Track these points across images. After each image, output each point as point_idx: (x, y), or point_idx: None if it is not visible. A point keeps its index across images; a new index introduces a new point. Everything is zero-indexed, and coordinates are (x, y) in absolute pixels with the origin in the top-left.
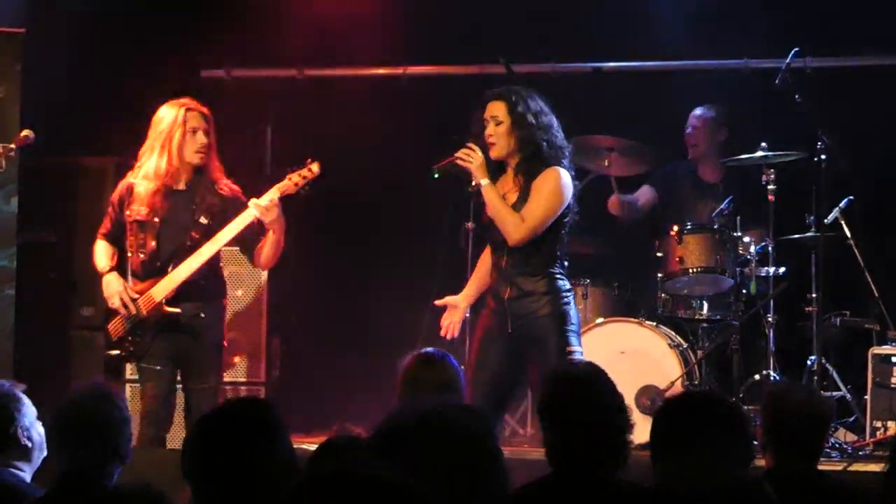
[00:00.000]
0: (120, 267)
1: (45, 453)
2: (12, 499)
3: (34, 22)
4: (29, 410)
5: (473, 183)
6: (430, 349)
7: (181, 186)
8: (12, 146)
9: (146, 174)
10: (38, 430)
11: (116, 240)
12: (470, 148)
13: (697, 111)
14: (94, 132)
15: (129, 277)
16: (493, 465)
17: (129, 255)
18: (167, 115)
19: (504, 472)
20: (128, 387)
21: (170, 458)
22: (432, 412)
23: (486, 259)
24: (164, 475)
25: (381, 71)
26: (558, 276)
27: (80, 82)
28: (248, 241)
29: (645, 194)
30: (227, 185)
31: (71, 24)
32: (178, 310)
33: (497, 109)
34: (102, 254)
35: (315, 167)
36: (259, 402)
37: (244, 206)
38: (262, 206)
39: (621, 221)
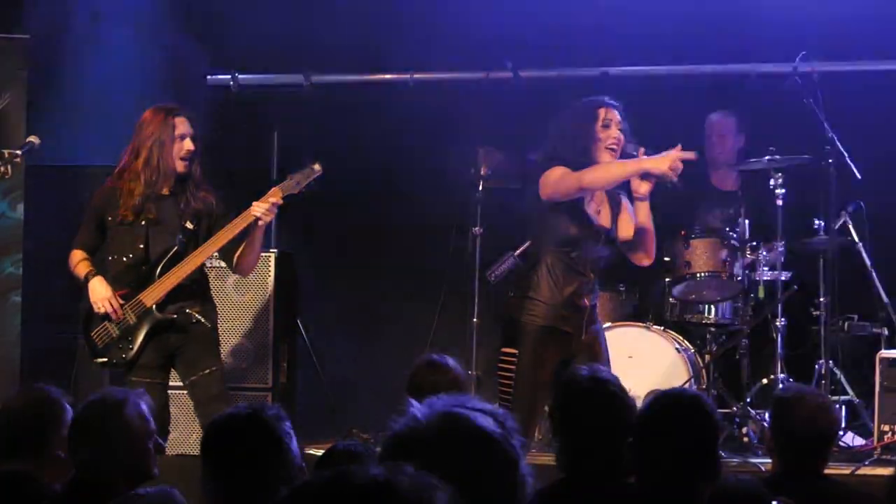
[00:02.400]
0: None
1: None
2: (35, 495)
3: (38, 28)
4: (69, 421)
5: (643, 195)
6: (435, 354)
7: (166, 191)
8: (18, 152)
9: (131, 178)
10: None
11: (93, 249)
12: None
13: (717, 116)
14: (100, 138)
15: (109, 283)
16: (513, 467)
17: (111, 258)
18: (154, 119)
19: (523, 477)
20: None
21: (175, 464)
22: (450, 413)
23: None
24: (169, 481)
25: (388, 77)
26: None
27: (86, 88)
28: (228, 245)
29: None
30: (207, 193)
31: (76, 30)
32: (173, 316)
33: (619, 118)
34: (81, 261)
35: (317, 166)
36: (269, 409)
37: (223, 216)
38: (264, 208)
39: None
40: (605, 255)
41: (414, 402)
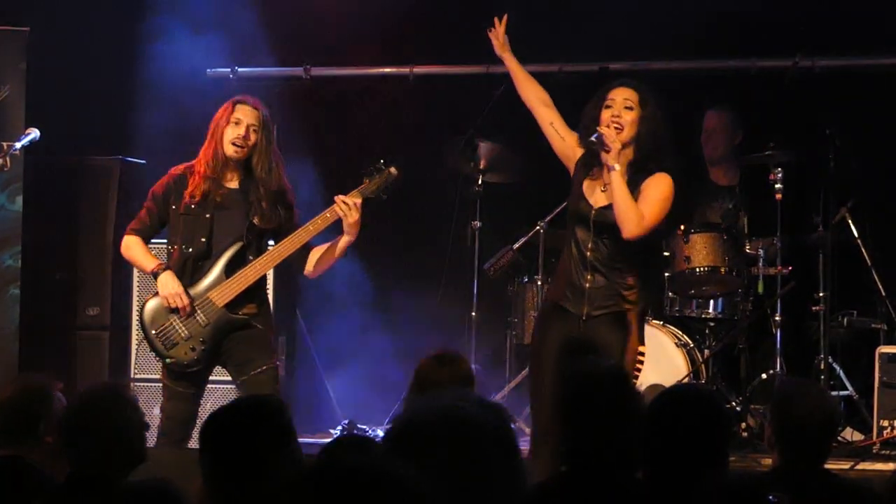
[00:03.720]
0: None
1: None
2: (31, 479)
3: (39, 19)
4: (58, 409)
5: (609, 165)
6: (443, 349)
7: (233, 185)
8: (17, 144)
9: (196, 168)
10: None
11: (149, 238)
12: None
13: (713, 112)
14: (100, 131)
15: None
16: (512, 461)
17: (173, 248)
18: (221, 107)
19: (523, 470)
20: (131, 385)
21: (179, 456)
22: (451, 407)
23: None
24: (172, 472)
25: (388, 70)
26: (638, 274)
27: (86, 80)
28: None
29: None
30: (287, 193)
31: (76, 22)
32: (245, 316)
33: (630, 95)
34: (144, 251)
35: (393, 170)
36: (274, 402)
37: (293, 216)
38: (347, 204)
39: None
40: (603, 234)
41: (415, 396)
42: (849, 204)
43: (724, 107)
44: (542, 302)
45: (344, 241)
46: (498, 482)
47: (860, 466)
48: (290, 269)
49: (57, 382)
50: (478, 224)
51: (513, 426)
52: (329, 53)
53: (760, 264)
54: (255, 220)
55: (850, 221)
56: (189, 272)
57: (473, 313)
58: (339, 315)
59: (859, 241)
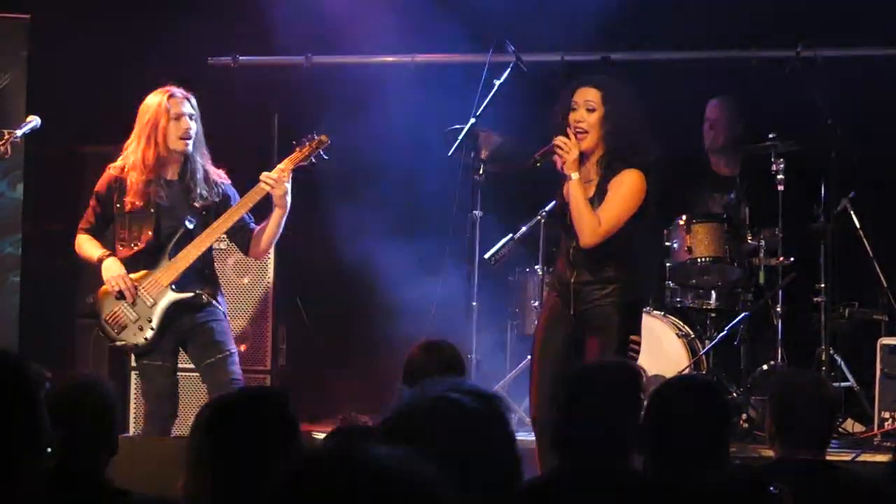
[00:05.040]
0: None
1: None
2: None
3: (40, 8)
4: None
5: (566, 174)
6: (433, 337)
7: (173, 176)
8: (18, 132)
9: (135, 165)
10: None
11: (99, 234)
12: (568, 137)
13: (715, 102)
14: (100, 119)
15: None
16: (506, 450)
17: (121, 247)
18: (151, 103)
19: (518, 458)
20: (133, 375)
21: (166, 446)
22: (442, 398)
23: None
24: (158, 464)
25: (389, 59)
26: (625, 266)
27: (86, 69)
28: (237, 227)
29: None
30: (216, 174)
31: (77, 11)
32: (190, 294)
33: (592, 96)
34: (92, 244)
35: (324, 137)
36: (274, 391)
37: (229, 196)
38: (273, 179)
39: None
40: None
41: (406, 387)
42: (850, 195)
43: (726, 97)
44: (545, 293)
45: (276, 214)
46: (492, 472)
47: (861, 458)
48: (291, 258)
49: (46, 371)
50: (478, 213)
51: (511, 415)
52: (331, 42)
53: (762, 255)
54: (197, 205)
55: (851, 212)
56: (142, 265)
57: (474, 303)
58: (338, 305)
59: (861, 231)
